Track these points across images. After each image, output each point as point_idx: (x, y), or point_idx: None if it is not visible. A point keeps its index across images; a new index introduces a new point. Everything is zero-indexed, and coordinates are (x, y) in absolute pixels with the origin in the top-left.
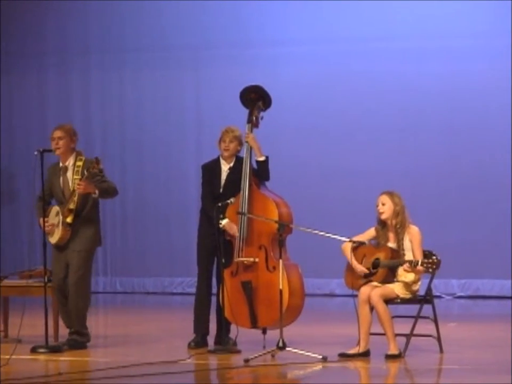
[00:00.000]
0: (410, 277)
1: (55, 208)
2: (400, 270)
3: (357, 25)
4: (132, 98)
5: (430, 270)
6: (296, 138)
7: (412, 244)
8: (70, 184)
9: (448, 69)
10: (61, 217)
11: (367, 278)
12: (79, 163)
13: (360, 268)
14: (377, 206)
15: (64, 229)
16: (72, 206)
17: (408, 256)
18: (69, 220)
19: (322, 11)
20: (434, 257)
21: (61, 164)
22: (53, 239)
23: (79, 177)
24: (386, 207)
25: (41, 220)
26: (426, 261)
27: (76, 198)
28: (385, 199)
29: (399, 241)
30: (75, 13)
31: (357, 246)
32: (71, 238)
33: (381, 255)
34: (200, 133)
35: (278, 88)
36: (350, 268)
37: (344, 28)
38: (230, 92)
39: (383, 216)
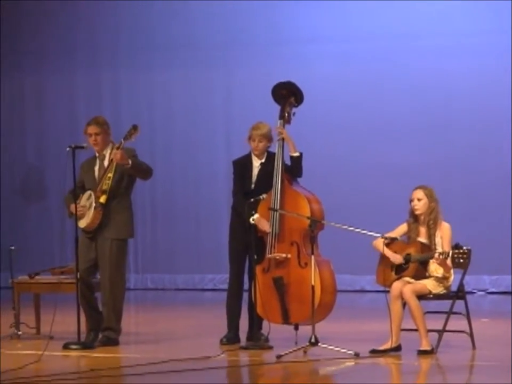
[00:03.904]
0: (442, 272)
1: (88, 192)
2: (432, 266)
3: (387, 23)
4: (161, 97)
5: (461, 260)
6: (328, 134)
7: (442, 240)
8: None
9: (476, 65)
10: (93, 198)
11: (399, 273)
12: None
13: (397, 257)
14: (412, 201)
15: (96, 211)
16: (105, 186)
17: (439, 251)
18: (102, 200)
19: (353, 9)
20: (464, 248)
21: (97, 154)
22: (83, 223)
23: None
24: (421, 203)
25: (72, 206)
26: (457, 251)
27: (109, 181)
28: (420, 194)
29: (431, 236)
30: (105, 12)
31: (389, 243)
32: (103, 224)
33: (412, 250)
34: (230, 130)
35: (309, 85)
36: (381, 265)
37: (375, 25)
38: (260, 90)
39: (418, 212)
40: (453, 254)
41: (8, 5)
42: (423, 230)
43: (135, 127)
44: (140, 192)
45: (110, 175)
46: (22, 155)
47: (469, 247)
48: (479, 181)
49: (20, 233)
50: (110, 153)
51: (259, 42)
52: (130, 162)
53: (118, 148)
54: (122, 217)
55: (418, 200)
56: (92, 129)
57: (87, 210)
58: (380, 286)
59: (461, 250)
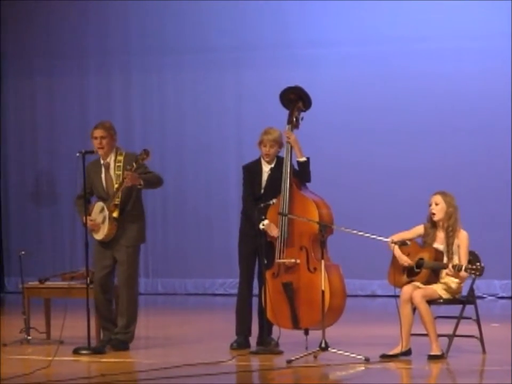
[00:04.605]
0: (453, 280)
1: (99, 205)
2: (444, 272)
3: (396, 26)
4: (172, 100)
5: (473, 276)
6: (337, 138)
7: (459, 249)
8: (114, 179)
9: (487, 68)
10: (106, 213)
11: (410, 277)
12: (120, 157)
13: (405, 259)
14: (430, 205)
15: (111, 224)
16: (117, 201)
17: (455, 260)
18: (115, 214)
19: (362, 12)
20: (478, 264)
21: (102, 161)
22: (99, 235)
23: (120, 172)
24: (439, 208)
25: (84, 218)
26: (470, 266)
27: (119, 193)
28: (439, 199)
29: (449, 245)
30: (115, 15)
31: (400, 246)
32: (119, 233)
33: (425, 255)
34: (241, 134)
35: (318, 88)
36: (393, 265)
37: (383, 28)
38: (270, 93)
39: (435, 217)
40: (465, 268)
41: (18, 7)
42: (440, 235)
43: (146, 152)
44: (151, 197)
45: (120, 190)
46: (33, 159)
47: (482, 264)
48: (489, 185)
49: (31, 238)
50: (115, 161)
51: (269, 45)
52: (142, 183)
53: (130, 170)
54: (136, 225)
55: (436, 204)
56: (98, 132)
57: (101, 224)
58: (391, 285)
59: (474, 266)
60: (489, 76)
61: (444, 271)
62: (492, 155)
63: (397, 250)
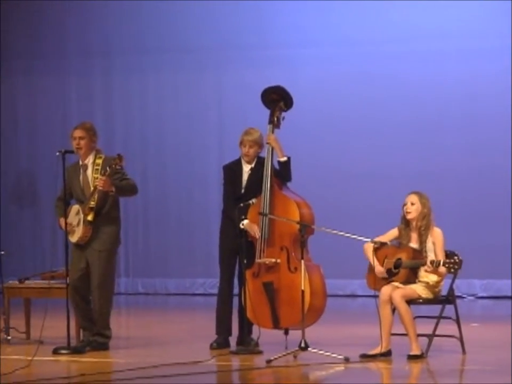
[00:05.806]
0: (432, 278)
1: (75, 207)
2: (422, 271)
3: (375, 27)
4: (153, 100)
5: (452, 270)
6: (317, 139)
7: (434, 246)
8: (90, 182)
9: (468, 70)
10: (81, 215)
11: (389, 278)
12: (99, 161)
13: (380, 270)
14: (405, 205)
15: (85, 227)
16: (92, 204)
17: (431, 257)
18: (90, 218)
19: (342, 13)
20: (456, 257)
21: (80, 162)
22: (74, 238)
23: (99, 175)
24: (414, 208)
25: (61, 219)
26: (448, 260)
27: (96, 196)
28: (414, 199)
29: (422, 243)
30: (96, 15)
31: (379, 247)
32: (92, 237)
33: (403, 255)
34: (222, 134)
35: (298, 89)
36: (372, 269)
37: (363, 29)
38: (251, 93)
39: (410, 216)
40: (443, 263)
41: None
42: (414, 236)
43: (120, 157)
44: (132, 197)
45: (96, 193)
46: (13, 160)
47: (460, 258)
48: (471, 187)
49: (11, 238)
50: (93, 163)
51: (250, 46)
52: (113, 190)
53: (103, 175)
54: (110, 229)
55: (412, 204)
56: (77, 133)
57: (76, 226)
58: (371, 290)
59: (452, 260)
60: (477, 78)
61: (423, 270)
62: (475, 157)
63: (374, 259)
